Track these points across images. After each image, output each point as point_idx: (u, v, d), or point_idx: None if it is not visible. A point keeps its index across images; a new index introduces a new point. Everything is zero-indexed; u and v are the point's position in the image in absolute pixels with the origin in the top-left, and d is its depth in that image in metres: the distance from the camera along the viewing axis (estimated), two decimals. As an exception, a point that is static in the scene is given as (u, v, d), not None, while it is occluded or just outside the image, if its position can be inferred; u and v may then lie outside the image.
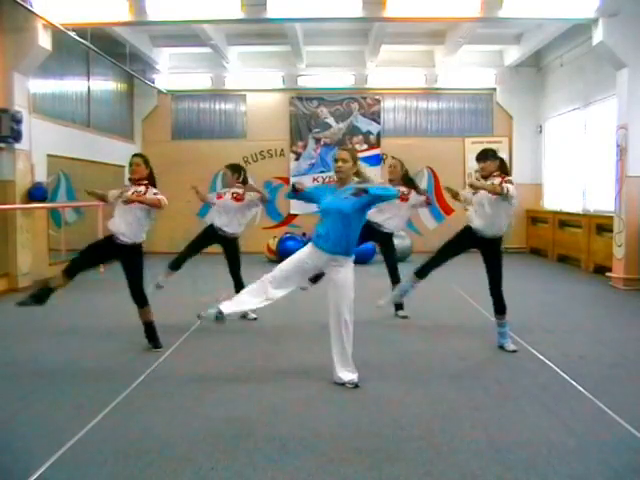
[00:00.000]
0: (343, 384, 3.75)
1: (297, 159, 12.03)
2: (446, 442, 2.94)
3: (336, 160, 3.86)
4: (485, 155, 4.59)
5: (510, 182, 4.40)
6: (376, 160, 11.94)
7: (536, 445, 2.89)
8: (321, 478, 2.59)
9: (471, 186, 4.54)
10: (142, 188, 4.64)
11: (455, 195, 4.90)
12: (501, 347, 4.63)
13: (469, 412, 3.34)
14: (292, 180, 11.84)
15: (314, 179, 11.96)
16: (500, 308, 4.60)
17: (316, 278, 4.59)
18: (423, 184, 11.98)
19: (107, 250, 4.67)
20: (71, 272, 4.61)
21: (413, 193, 5.77)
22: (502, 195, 4.32)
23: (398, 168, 5.82)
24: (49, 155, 8.46)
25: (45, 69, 8.32)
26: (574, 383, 3.80)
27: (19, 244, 7.60)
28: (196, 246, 5.88)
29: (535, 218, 11.60)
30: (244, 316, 5.75)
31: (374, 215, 5.58)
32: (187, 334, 5.19)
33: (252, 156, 12.10)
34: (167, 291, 5.84)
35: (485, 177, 4.56)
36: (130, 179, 4.76)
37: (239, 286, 5.82)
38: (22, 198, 7.68)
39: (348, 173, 3.84)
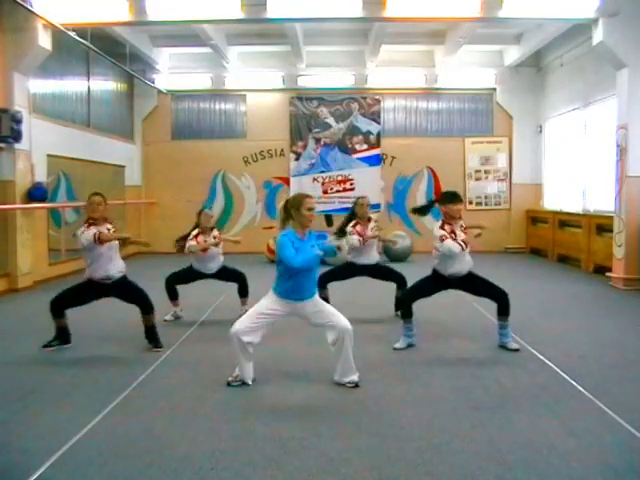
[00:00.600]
0: (343, 384, 3.75)
1: (297, 159, 12.03)
2: (446, 442, 2.94)
3: (310, 209, 3.72)
4: (461, 198, 4.63)
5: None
6: (376, 160, 11.95)
7: (536, 445, 2.89)
8: (321, 478, 2.59)
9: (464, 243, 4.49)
10: (108, 225, 4.67)
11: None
12: (502, 346, 4.64)
13: (469, 412, 3.34)
14: (292, 180, 11.89)
15: (314, 179, 11.97)
16: (505, 310, 4.60)
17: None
18: (423, 184, 12.03)
19: (96, 294, 4.68)
20: (58, 311, 4.65)
21: (368, 227, 5.68)
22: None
23: (365, 207, 5.75)
24: (49, 155, 8.46)
25: (45, 69, 8.33)
26: (574, 383, 3.80)
27: (19, 244, 7.60)
28: (185, 279, 5.89)
29: (535, 218, 11.60)
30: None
31: (348, 255, 5.69)
32: (187, 334, 5.19)
33: (252, 156, 12.10)
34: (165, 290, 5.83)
35: (455, 218, 4.56)
36: (91, 217, 4.57)
37: (243, 286, 5.85)
38: (22, 198, 7.68)
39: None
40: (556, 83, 11.06)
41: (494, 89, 11.94)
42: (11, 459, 2.80)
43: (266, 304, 3.78)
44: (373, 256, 5.73)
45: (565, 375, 3.96)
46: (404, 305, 4.78)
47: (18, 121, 7.35)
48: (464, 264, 4.56)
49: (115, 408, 3.41)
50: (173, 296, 5.80)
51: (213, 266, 5.74)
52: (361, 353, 4.06)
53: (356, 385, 3.74)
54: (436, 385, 3.82)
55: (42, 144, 8.16)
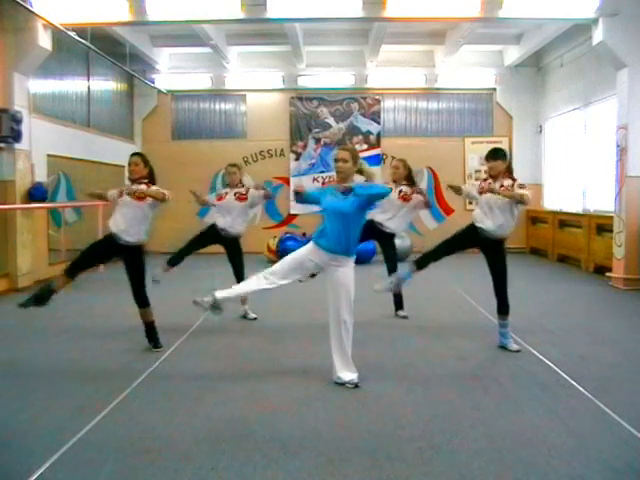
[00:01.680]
0: (343, 384, 3.75)
1: (297, 159, 12.03)
2: (446, 442, 2.94)
3: (336, 160, 3.84)
4: (496, 154, 4.57)
5: (524, 186, 4.42)
6: (376, 160, 11.94)
7: (536, 445, 2.89)
8: (321, 478, 2.59)
9: (491, 191, 4.46)
10: (143, 186, 4.61)
11: (457, 190, 4.94)
12: (502, 347, 4.64)
13: (469, 412, 3.34)
14: (292, 180, 11.88)
15: (314, 179, 11.97)
16: (504, 309, 4.59)
17: (314, 274, 4.58)
18: (423, 184, 12.00)
19: (109, 249, 4.63)
20: (72, 272, 4.59)
21: (415, 194, 5.70)
22: (522, 203, 4.36)
23: (401, 169, 5.76)
24: (49, 155, 8.46)
25: (45, 69, 8.33)
26: (574, 383, 3.80)
27: (19, 244, 7.60)
28: (196, 244, 5.86)
29: (535, 218, 11.60)
30: (244, 316, 5.76)
31: (376, 214, 5.59)
32: (187, 334, 5.19)
33: (252, 156, 12.10)
34: (167, 291, 5.83)
35: (493, 176, 4.55)
36: (130, 179, 4.71)
37: (239, 274, 5.83)
38: (22, 198, 7.68)
39: (348, 173, 3.83)
40: (556, 83, 11.06)
41: (494, 89, 11.94)
42: (11, 459, 2.79)
43: (304, 249, 3.86)
44: (401, 225, 5.70)
45: (565, 375, 3.96)
46: (425, 258, 4.73)
47: (18, 121, 7.35)
48: (493, 223, 4.47)
49: (115, 408, 3.41)
50: (175, 262, 5.76)
51: (234, 228, 5.64)
52: (361, 353, 4.06)
53: (356, 385, 3.73)
54: (436, 385, 3.82)
55: (42, 144, 8.15)
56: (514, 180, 4.48)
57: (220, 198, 5.76)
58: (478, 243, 4.63)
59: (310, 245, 3.86)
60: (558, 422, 3.18)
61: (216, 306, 3.79)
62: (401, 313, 5.83)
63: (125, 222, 4.52)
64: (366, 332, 4.92)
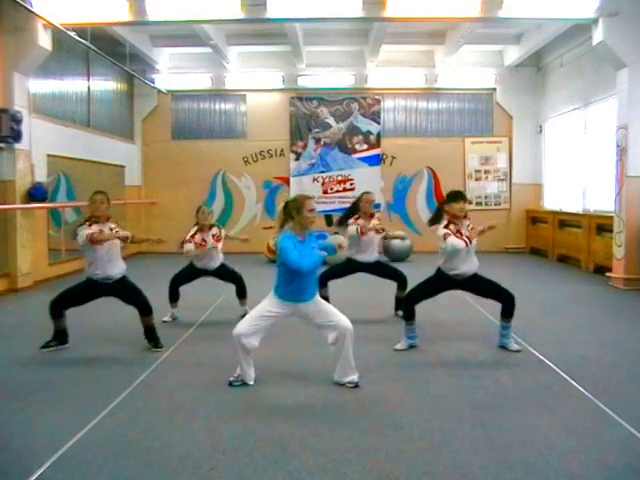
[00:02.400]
0: (343, 384, 3.75)
1: (297, 159, 12.03)
2: (446, 442, 2.94)
3: (311, 210, 3.70)
4: (463, 196, 4.60)
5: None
6: (376, 160, 11.95)
7: (536, 445, 2.89)
8: (321, 478, 2.59)
9: (480, 233, 4.53)
10: (112, 224, 4.66)
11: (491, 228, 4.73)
12: (503, 347, 4.64)
13: (469, 412, 3.34)
14: (292, 180, 11.89)
15: (314, 179, 11.97)
16: (510, 312, 4.58)
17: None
18: (423, 184, 12.02)
19: (97, 293, 4.66)
20: (58, 312, 4.63)
21: (370, 223, 5.65)
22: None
23: (370, 204, 5.71)
24: (49, 155, 8.46)
25: (45, 69, 8.33)
26: (574, 383, 3.80)
27: (19, 244, 7.60)
28: (186, 279, 5.87)
29: (535, 218, 11.60)
30: (243, 316, 5.73)
31: (349, 251, 5.63)
32: (187, 334, 5.19)
33: (252, 156, 12.10)
34: (167, 292, 5.81)
35: (459, 217, 4.53)
36: (95, 216, 4.57)
37: (241, 287, 5.84)
38: (22, 198, 7.68)
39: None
40: (556, 83, 11.06)
41: (494, 89, 11.94)
42: (11, 459, 2.80)
43: (267, 306, 3.78)
44: (373, 254, 5.72)
45: (565, 375, 3.96)
46: (407, 306, 4.72)
47: (18, 121, 7.35)
48: (470, 264, 4.53)
49: (115, 408, 3.41)
50: (174, 298, 5.80)
51: (212, 264, 5.73)
52: (361, 353, 4.06)
53: (356, 385, 3.74)
54: (436, 385, 3.82)
55: (42, 144, 8.16)
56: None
57: (202, 245, 5.61)
58: (458, 287, 4.65)
59: (275, 300, 3.78)
60: (558, 422, 3.18)
61: (243, 380, 3.80)
62: (401, 313, 5.81)
63: (113, 262, 4.57)
64: (366, 332, 4.92)
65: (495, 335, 4.78)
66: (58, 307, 4.62)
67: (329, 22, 8.99)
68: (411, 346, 4.67)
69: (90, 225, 4.49)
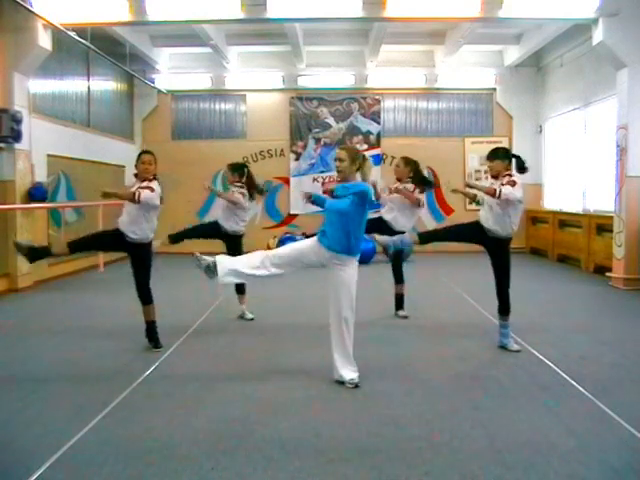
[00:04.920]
0: (343, 383, 3.75)
1: (297, 159, 12.03)
2: (446, 442, 2.94)
3: (335, 159, 3.93)
4: (495, 154, 4.57)
5: (511, 183, 4.39)
6: (376, 160, 11.94)
7: (536, 445, 2.89)
8: (321, 478, 2.59)
9: (467, 185, 4.55)
10: (145, 183, 4.63)
11: (473, 198, 4.91)
12: (502, 347, 4.64)
13: (469, 412, 3.34)
14: (292, 180, 11.88)
15: (314, 179, 11.97)
16: (505, 309, 4.60)
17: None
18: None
19: (116, 243, 4.67)
20: (75, 248, 4.64)
21: (417, 191, 5.63)
22: (495, 197, 4.37)
23: (401, 166, 5.80)
24: (49, 155, 8.46)
25: (45, 69, 8.32)
26: (574, 383, 3.80)
27: (19, 244, 7.59)
28: (201, 231, 5.91)
29: (535, 218, 11.59)
30: (242, 316, 5.75)
31: (385, 213, 5.67)
32: (187, 334, 5.19)
33: (252, 156, 12.10)
34: (167, 291, 5.83)
35: (494, 177, 4.56)
36: (139, 177, 4.69)
37: (240, 285, 5.83)
38: (22, 198, 7.67)
39: (347, 172, 3.85)
40: (556, 83, 11.06)
41: (494, 89, 11.94)
42: (11, 459, 2.80)
43: (308, 240, 3.88)
44: (408, 224, 5.59)
45: (565, 375, 3.96)
46: (430, 234, 4.78)
47: (18, 121, 7.35)
48: (498, 225, 4.52)
49: (115, 408, 3.41)
50: (178, 239, 5.77)
51: (231, 225, 5.69)
52: (361, 354, 4.06)
53: (356, 385, 3.73)
54: (436, 385, 3.82)
55: (42, 144, 8.15)
56: (510, 177, 4.48)
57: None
58: (483, 242, 4.65)
59: (314, 241, 3.87)
60: (558, 422, 3.18)
61: (212, 269, 3.79)
62: (401, 313, 5.84)
63: (129, 220, 4.58)
64: (366, 332, 4.91)
65: (495, 335, 4.78)
66: (80, 245, 4.65)
67: (329, 22, 8.99)
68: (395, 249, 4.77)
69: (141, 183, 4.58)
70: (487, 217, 4.54)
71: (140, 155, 4.75)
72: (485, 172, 11.98)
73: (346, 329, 3.74)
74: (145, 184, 4.60)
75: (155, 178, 4.74)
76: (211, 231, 5.83)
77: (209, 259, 3.83)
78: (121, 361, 4.39)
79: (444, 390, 3.72)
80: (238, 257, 3.99)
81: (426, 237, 4.78)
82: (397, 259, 5.81)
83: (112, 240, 4.70)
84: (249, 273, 3.82)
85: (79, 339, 4.83)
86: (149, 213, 4.63)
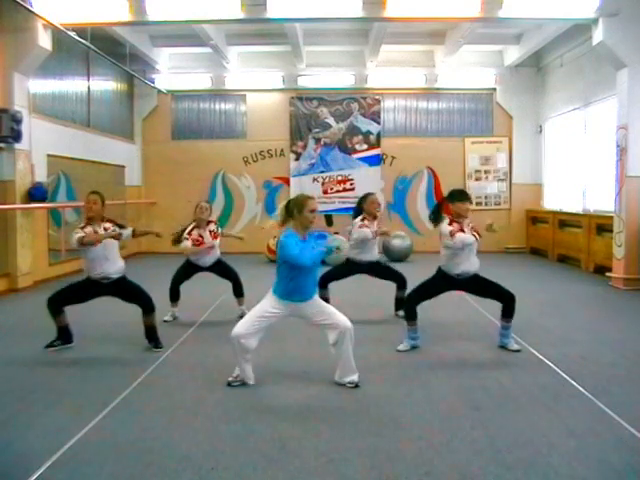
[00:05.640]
0: (343, 384, 3.75)
1: (297, 159, 12.03)
2: (446, 442, 2.94)
3: (312, 211, 3.73)
4: (469, 196, 4.63)
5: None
6: (376, 160, 11.95)
7: (536, 445, 2.89)
8: (321, 478, 2.59)
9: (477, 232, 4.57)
10: (107, 224, 4.66)
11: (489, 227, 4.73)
12: (502, 347, 4.64)
13: (469, 412, 3.34)
14: (292, 180, 11.88)
15: (314, 179, 11.97)
16: (510, 312, 4.59)
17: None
18: (423, 184, 12.02)
19: (95, 292, 4.65)
20: (57, 309, 4.62)
21: (374, 225, 5.67)
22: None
23: (375, 205, 5.73)
24: (49, 155, 8.46)
25: (45, 69, 8.32)
26: (574, 383, 3.80)
27: (19, 244, 7.60)
28: (185, 276, 5.88)
29: (535, 218, 11.60)
30: (241, 317, 5.73)
31: (350, 252, 5.61)
32: (187, 334, 5.19)
33: (252, 156, 12.10)
34: (167, 292, 5.81)
35: (463, 216, 4.53)
36: (88, 217, 4.61)
37: (237, 285, 5.84)
38: (22, 198, 7.68)
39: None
40: (556, 83, 11.06)
41: (494, 89, 11.94)
42: (11, 459, 2.80)
43: (266, 306, 3.76)
44: (374, 254, 5.73)
45: (565, 375, 3.96)
46: (408, 307, 4.71)
47: (18, 121, 7.35)
48: (471, 264, 4.52)
49: (115, 408, 3.41)
50: (175, 298, 5.80)
51: (209, 259, 5.73)
52: (361, 353, 4.06)
53: (356, 385, 3.74)
54: (436, 385, 3.82)
55: (42, 144, 8.15)
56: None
57: (198, 242, 5.64)
58: (459, 287, 4.65)
59: (274, 299, 3.76)
60: (558, 422, 3.18)
61: (242, 380, 3.80)
62: (401, 313, 5.81)
63: (109, 264, 4.55)
64: (366, 332, 4.91)
65: (495, 335, 4.78)
66: (56, 304, 4.61)
67: (329, 22, 8.99)
68: (413, 347, 4.66)
69: (84, 227, 4.52)
70: (465, 261, 4.49)
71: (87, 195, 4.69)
72: (485, 172, 12.04)
73: (350, 340, 3.73)
74: (96, 226, 4.57)
75: (110, 220, 4.74)
76: (193, 271, 5.83)
77: (238, 373, 3.80)
78: (121, 361, 4.39)
79: (444, 390, 3.72)
80: (238, 366, 3.84)
81: (410, 314, 4.67)
82: (396, 278, 5.80)
83: (93, 292, 4.63)
84: (244, 367, 3.79)
85: (79, 339, 4.82)
86: (114, 246, 4.64)
